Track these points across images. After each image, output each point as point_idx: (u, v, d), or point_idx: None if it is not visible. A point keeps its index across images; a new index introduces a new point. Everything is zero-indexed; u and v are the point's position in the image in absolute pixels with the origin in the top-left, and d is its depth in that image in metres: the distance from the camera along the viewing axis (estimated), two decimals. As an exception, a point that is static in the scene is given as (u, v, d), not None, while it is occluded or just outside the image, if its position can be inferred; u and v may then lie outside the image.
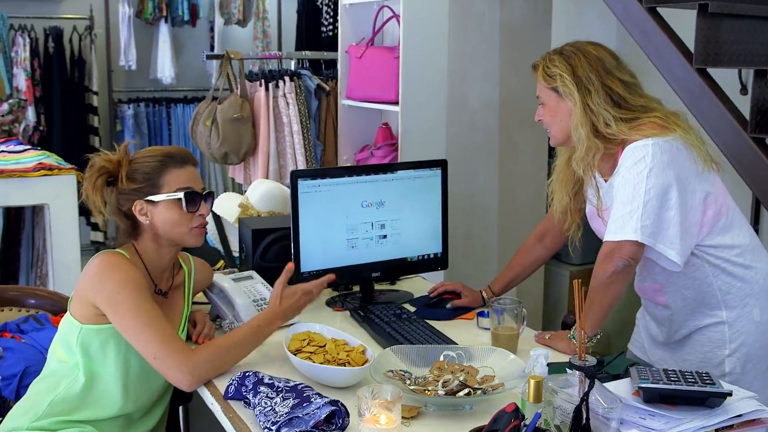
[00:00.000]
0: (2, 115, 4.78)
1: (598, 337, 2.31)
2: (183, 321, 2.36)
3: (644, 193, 2.20)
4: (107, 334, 2.17)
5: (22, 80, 6.60)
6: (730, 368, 2.35)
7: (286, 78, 4.82)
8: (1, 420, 2.23)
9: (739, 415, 1.76)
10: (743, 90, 3.52)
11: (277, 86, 4.81)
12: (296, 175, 2.63)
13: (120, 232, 2.29)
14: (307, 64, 5.26)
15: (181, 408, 2.59)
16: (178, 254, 2.38)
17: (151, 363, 2.13)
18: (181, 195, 2.23)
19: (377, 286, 2.92)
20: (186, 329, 2.38)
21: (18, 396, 2.32)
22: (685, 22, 3.01)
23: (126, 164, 2.23)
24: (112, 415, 2.19)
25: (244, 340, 2.21)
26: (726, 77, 2.92)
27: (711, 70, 2.89)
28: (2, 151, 4.17)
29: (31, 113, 6.51)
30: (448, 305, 2.74)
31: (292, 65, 5.20)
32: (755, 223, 3.77)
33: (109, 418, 2.19)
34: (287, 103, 4.80)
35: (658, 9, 2.99)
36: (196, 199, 2.27)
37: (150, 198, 2.22)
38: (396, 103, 3.95)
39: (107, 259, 2.18)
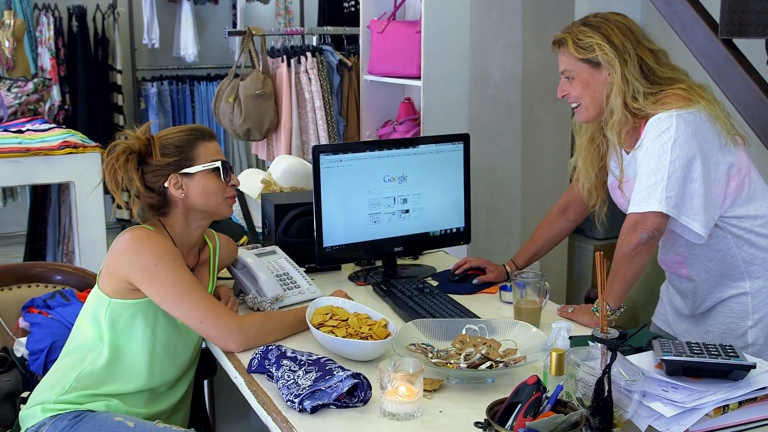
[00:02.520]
0: (27, 95, 4.79)
1: (622, 310, 2.30)
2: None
3: (669, 164, 2.18)
4: (136, 309, 2.19)
5: (46, 59, 6.65)
6: (753, 339, 2.34)
7: (308, 54, 4.82)
8: (29, 394, 2.25)
9: (763, 388, 1.75)
10: (770, 61, 3.47)
11: (299, 62, 4.80)
12: (318, 150, 2.63)
13: (147, 210, 2.29)
14: (329, 39, 5.24)
15: (205, 382, 2.61)
16: (205, 230, 2.39)
17: (197, 328, 2.19)
18: (218, 164, 2.27)
19: (400, 261, 2.93)
20: None
21: (45, 370, 2.34)
22: (710, -8, 2.98)
23: (156, 141, 2.24)
24: (137, 388, 2.21)
25: (290, 321, 2.29)
26: (752, 48, 2.88)
27: (737, 41, 2.85)
28: (28, 130, 4.20)
29: (55, 92, 6.55)
30: (475, 280, 2.73)
31: (314, 41, 5.19)
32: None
33: (135, 392, 2.21)
34: (309, 79, 4.79)
35: (683, -21, 2.95)
36: (230, 169, 2.32)
37: (186, 171, 2.24)
38: (418, 77, 3.93)
39: (138, 234, 2.20)
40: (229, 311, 2.23)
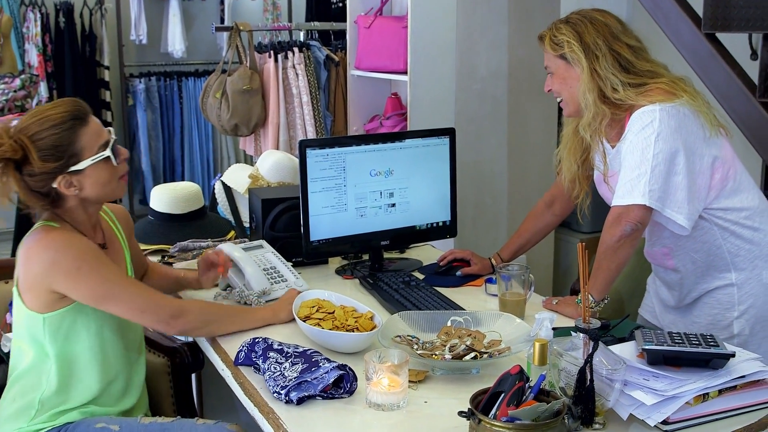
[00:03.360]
0: (15, 91, 4.80)
1: (606, 301, 2.33)
2: (127, 264, 2.31)
3: (652, 157, 2.21)
4: (74, 313, 2.10)
5: (33, 56, 6.63)
6: (739, 330, 2.36)
7: (296, 49, 4.83)
8: None
9: (743, 376, 1.78)
10: (753, 55, 3.49)
11: (286, 57, 4.82)
12: (305, 145, 2.64)
13: (39, 210, 2.11)
14: (317, 35, 5.26)
15: (193, 375, 2.62)
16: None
17: (137, 318, 2.12)
18: (107, 153, 2.08)
19: (386, 255, 2.94)
20: (133, 272, 2.33)
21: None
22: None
23: (29, 145, 1.98)
24: (103, 385, 2.15)
25: (234, 313, 2.27)
26: (736, 43, 2.91)
27: (721, 36, 2.88)
28: (15, 126, 4.20)
29: (43, 88, 6.54)
30: (459, 272, 2.76)
31: (302, 36, 5.19)
32: (765, 187, 3.76)
33: (104, 391, 2.16)
34: (297, 74, 4.81)
35: (666, -26, 2.97)
36: (116, 147, 2.13)
37: (74, 168, 2.04)
38: (405, 72, 3.95)
39: (45, 239, 2.04)
40: (166, 296, 2.17)
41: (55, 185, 2.04)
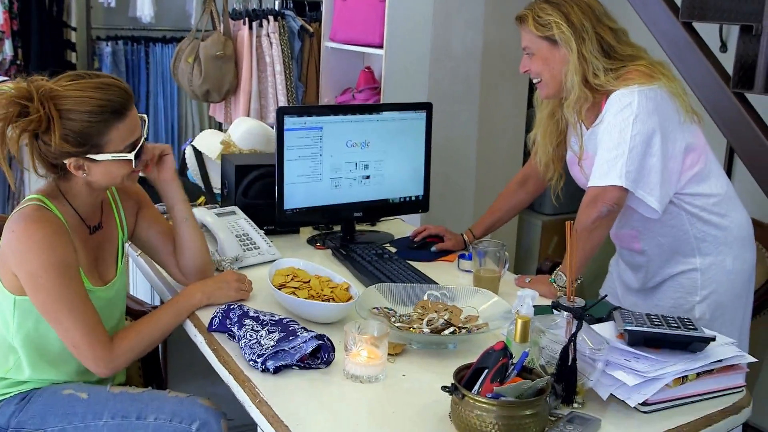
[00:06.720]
0: (-23, 48, 4.73)
1: (579, 281, 2.34)
2: (120, 246, 2.20)
3: (630, 138, 2.22)
4: None
5: (-1, 13, 6.49)
6: (700, 314, 2.40)
7: (270, 18, 4.79)
8: None
9: (720, 360, 1.79)
10: (723, 47, 3.54)
11: (260, 26, 4.78)
12: (283, 112, 2.61)
13: (45, 174, 2.02)
14: (291, 5, 5.21)
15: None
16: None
17: (69, 349, 1.98)
18: (130, 157, 1.99)
19: (357, 227, 2.92)
20: (124, 255, 2.21)
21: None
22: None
23: (56, 120, 1.87)
24: (73, 372, 2.08)
25: (166, 322, 2.11)
26: (706, 34, 2.92)
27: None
28: (-23, 81, 4.13)
29: (8, 46, 6.40)
30: (433, 248, 2.75)
31: (276, 5, 5.15)
32: (728, 174, 3.81)
33: (76, 370, 2.09)
34: (270, 43, 4.78)
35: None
36: (144, 146, 2.05)
37: (91, 156, 1.94)
38: (379, 46, 3.92)
39: (28, 228, 1.92)
40: (103, 339, 1.97)
41: (65, 161, 1.94)
